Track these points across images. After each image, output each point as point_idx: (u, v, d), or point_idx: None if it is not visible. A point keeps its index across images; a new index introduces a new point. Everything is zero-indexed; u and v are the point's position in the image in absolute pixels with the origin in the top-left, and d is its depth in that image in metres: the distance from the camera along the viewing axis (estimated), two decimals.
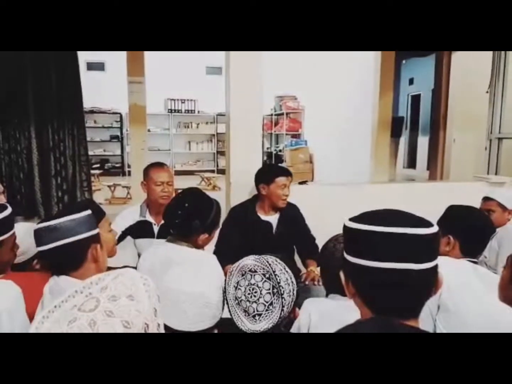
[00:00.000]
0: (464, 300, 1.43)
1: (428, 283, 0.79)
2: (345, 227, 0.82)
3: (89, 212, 1.31)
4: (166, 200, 2.32)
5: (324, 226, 2.43)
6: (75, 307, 0.69)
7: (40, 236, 1.26)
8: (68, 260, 1.26)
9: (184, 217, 1.54)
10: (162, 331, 0.76)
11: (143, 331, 0.69)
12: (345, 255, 0.82)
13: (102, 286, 0.72)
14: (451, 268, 1.52)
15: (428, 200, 3.24)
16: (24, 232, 1.68)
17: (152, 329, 0.71)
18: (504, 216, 2.54)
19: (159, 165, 2.47)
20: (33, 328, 0.69)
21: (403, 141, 9.37)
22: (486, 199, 2.60)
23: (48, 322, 0.68)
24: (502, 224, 2.54)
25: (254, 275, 1.05)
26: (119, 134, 10.10)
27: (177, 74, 9.73)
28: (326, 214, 2.28)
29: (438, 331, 1.46)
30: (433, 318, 1.47)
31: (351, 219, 0.81)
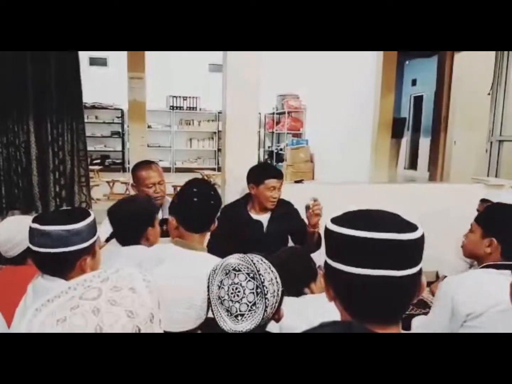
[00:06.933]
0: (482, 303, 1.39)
1: (411, 289, 0.76)
2: (325, 229, 0.78)
3: (86, 222, 1.25)
4: (159, 200, 2.28)
5: (321, 226, 2.42)
6: (73, 298, 0.68)
7: (32, 236, 1.23)
8: (55, 267, 1.24)
9: (216, 203, 1.58)
10: (162, 326, 0.75)
11: (148, 321, 0.69)
12: (326, 258, 0.79)
13: (102, 279, 0.72)
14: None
15: (425, 201, 3.23)
16: (17, 225, 1.67)
17: (156, 321, 0.72)
18: None
19: (147, 164, 2.36)
20: (26, 321, 0.67)
21: (405, 142, 9.33)
22: (483, 201, 2.57)
23: (41, 315, 0.66)
24: None
25: (238, 274, 1.03)
26: (120, 130, 10.09)
27: (180, 71, 9.72)
28: (324, 214, 2.25)
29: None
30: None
31: (332, 220, 0.77)
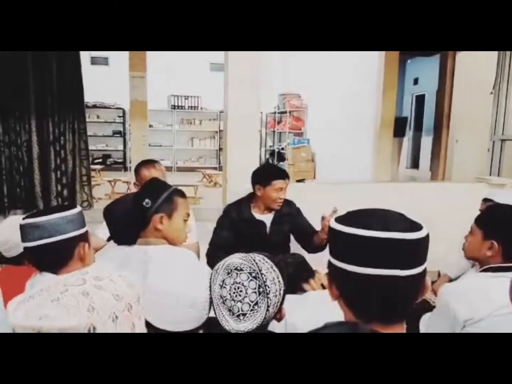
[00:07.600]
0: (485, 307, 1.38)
1: (415, 289, 0.75)
2: (330, 228, 0.78)
3: (78, 209, 1.29)
4: None
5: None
6: (58, 289, 0.70)
7: (26, 233, 1.23)
8: (53, 258, 1.24)
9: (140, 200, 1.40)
10: (143, 319, 0.78)
11: (136, 302, 0.73)
12: (330, 257, 0.79)
13: (82, 273, 0.74)
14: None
15: (427, 200, 3.22)
16: (14, 225, 1.66)
17: (140, 304, 0.76)
18: None
19: (150, 163, 2.32)
20: (10, 311, 0.68)
21: (407, 141, 9.31)
22: (486, 200, 2.56)
23: (21, 310, 0.68)
24: None
25: (240, 273, 1.03)
26: (121, 129, 10.10)
27: (181, 71, 9.72)
28: (326, 214, 2.25)
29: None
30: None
31: (337, 219, 0.77)
